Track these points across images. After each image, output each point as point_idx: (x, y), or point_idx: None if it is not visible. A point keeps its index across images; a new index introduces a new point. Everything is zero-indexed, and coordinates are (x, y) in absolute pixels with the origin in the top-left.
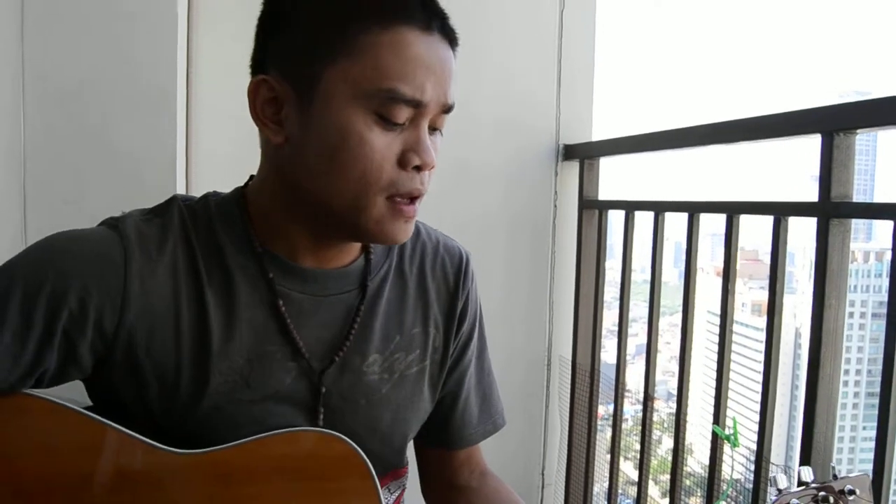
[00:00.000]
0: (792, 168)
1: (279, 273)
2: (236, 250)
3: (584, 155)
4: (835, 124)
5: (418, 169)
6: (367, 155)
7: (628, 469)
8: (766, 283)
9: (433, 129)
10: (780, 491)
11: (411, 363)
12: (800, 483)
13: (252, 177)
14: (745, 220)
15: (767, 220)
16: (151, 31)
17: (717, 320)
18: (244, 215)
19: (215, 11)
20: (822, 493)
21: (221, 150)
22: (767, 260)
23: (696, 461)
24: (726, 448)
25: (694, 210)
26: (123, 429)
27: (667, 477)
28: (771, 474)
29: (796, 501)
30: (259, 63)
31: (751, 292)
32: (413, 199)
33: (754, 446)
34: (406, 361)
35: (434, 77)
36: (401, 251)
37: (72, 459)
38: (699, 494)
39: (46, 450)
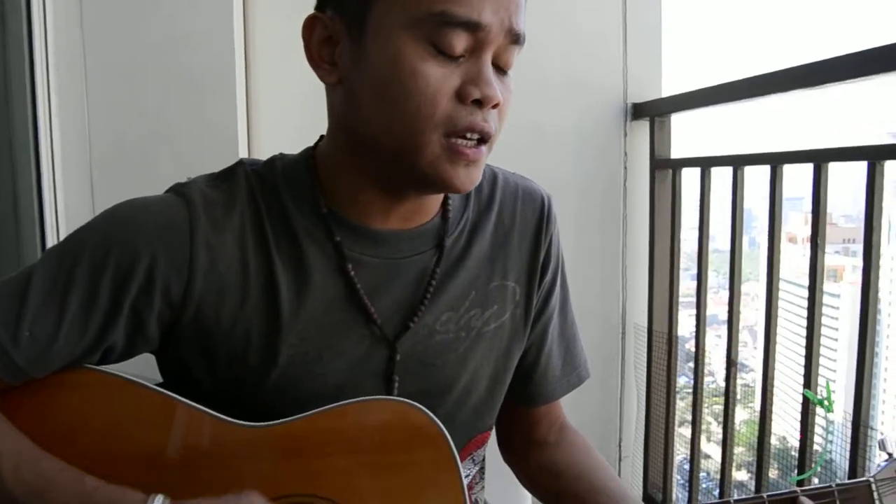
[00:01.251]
0: (876, 117)
1: (347, 236)
2: (302, 213)
3: (654, 112)
4: None
5: (479, 104)
6: (421, 88)
7: (703, 442)
8: (840, 247)
9: (502, 69)
10: (890, 455)
11: (489, 319)
12: None
13: (322, 137)
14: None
15: (842, 178)
16: (208, 10)
17: (791, 288)
18: (311, 176)
19: None
20: None
21: (282, 126)
22: (842, 223)
23: (774, 433)
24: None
25: (777, 161)
26: (191, 402)
27: (740, 450)
28: (879, 437)
29: None
30: (319, 3)
31: (826, 257)
32: (478, 141)
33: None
34: (483, 318)
35: None
36: (478, 201)
37: (139, 434)
38: (776, 466)
39: (113, 424)
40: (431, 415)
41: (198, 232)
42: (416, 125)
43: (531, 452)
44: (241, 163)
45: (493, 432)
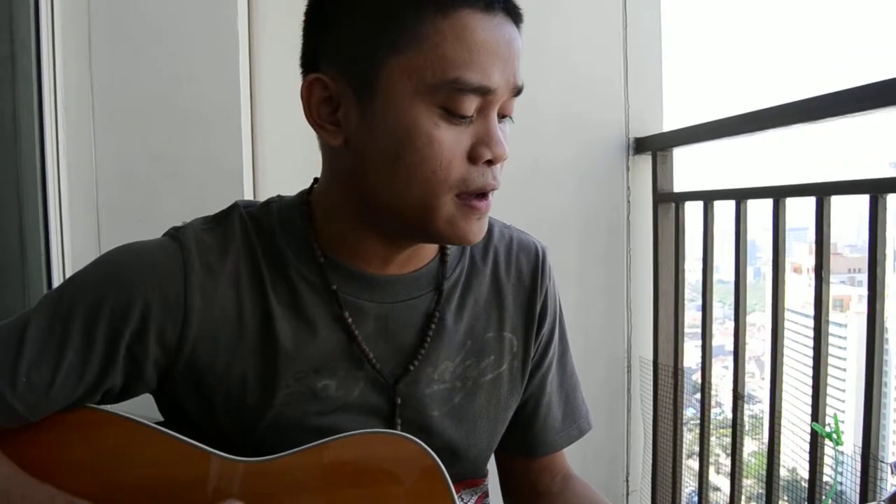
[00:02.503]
0: (878, 149)
1: (345, 283)
2: (298, 260)
3: (657, 147)
4: None
5: (489, 163)
6: (436, 154)
7: (710, 474)
8: (846, 277)
9: (503, 115)
10: None
11: (485, 370)
12: None
13: (316, 179)
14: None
15: (847, 208)
16: (214, 46)
17: (797, 318)
18: (306, 222)
19: (276, 24)
20: None
21: (287, 160)
22: (847, 252)
23: (783, 466)
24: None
25: (780, 195)
26: (187, 439)
27: (749, 482)
28: (892, 461)
29: None
30: (310, 61)
31: (831, 287)
32: (485, 194)
33: (852, 445)
34: (479, 368)
35: (501, 61)
36: (474, 250)
37: (136, 471)
38: (785, 498)
39: (111, 462)
40: (425, 446)
41: (192, 276)
42: (431, 189)
43: (534, 503)
44: (236, 205)
45: (496, 482)
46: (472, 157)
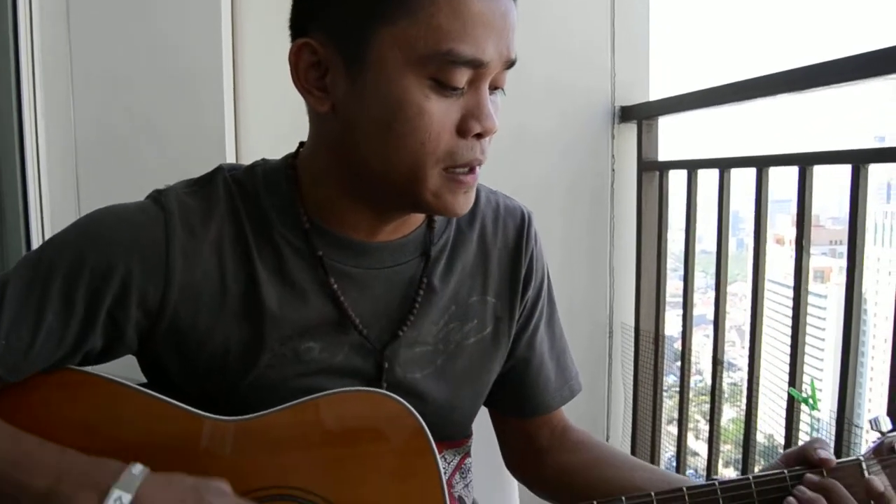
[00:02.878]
0: (861, 122)
1: (330, 249)
2: (283, 224)
3: (642, 115)
4: None
5: (479, 136)
6: (425, 126)
7: (690, 440)
8: (827, 248)
9: (495, 87)
10: (882, 434)
11: (468, 333)
12: None
13: (303, 143)
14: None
15: (830, 180)
16: (195, 16)
17: (778, 289)
18: (292, 186)
19: None
20: None
21: (270, 128)
22: (829, 224)
23: (760, 431)
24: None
25: (762, 164)
26: (169, 399)
27: (728, 447)
28: (870, 416)
29: None
30: (300, 25)
31: (812, 259)
32: (472, 168)
33: (828, 412)
34: (462, 332)
35: (495, 34)
36: (460, 217)
37: (117, 431)
38: (762, 463)
39: (92, 422)
40: (407, 405)
41: (174, 240)
42: (419, 160)
43: (538, 462)
44: (220, 168)
45: (480, 441)
46: (462, 131)
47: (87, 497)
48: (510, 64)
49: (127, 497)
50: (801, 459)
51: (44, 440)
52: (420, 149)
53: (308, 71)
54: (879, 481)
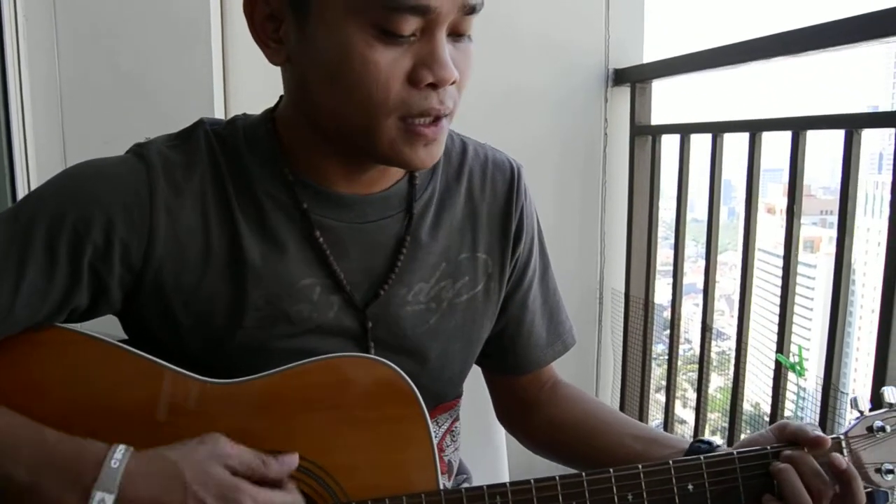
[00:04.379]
0: (855, 89)
1: (313, 201)
2: (266, 178)
3: (636, 79)
4: None
5: (433, 86)
6: (371, 75)
7: (677, 408)
8: (817, 218)
9: (459, 34)
10: (861, 413)
11: (460, 291)
12: (881, 404)
13: (281, 97)
14: None
15: (822, 150)
16: None
17: (768, 258)
18: (273, 139)
19: None
20: None
21: (259, 83)
22: (820, 194)
23: (747, 400)
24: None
25: (755, 129)
26: (156, 359)
27: (715, 416)
28: (850, 395)
29: (880, 423)
30: None
31: (802, 228)
32: (436, 119)
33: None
34: (454, 289)
35: None
36: (447, 171)
37: (106, 391)
38: (748, 431)
39: (79, 381)
40: (400, 370)
41: (157, 195)
42: (370, 111)
43: (528, 416)
44: (201, 122)
45: (481, 399)
46: (413, 80)
47: (71, 499)
48: (469, 9)
49: (110, 498)
50: (792, 437)
51: (26, 421)
52: (368, 100)
53: (264, 23)
54: (843, 458)
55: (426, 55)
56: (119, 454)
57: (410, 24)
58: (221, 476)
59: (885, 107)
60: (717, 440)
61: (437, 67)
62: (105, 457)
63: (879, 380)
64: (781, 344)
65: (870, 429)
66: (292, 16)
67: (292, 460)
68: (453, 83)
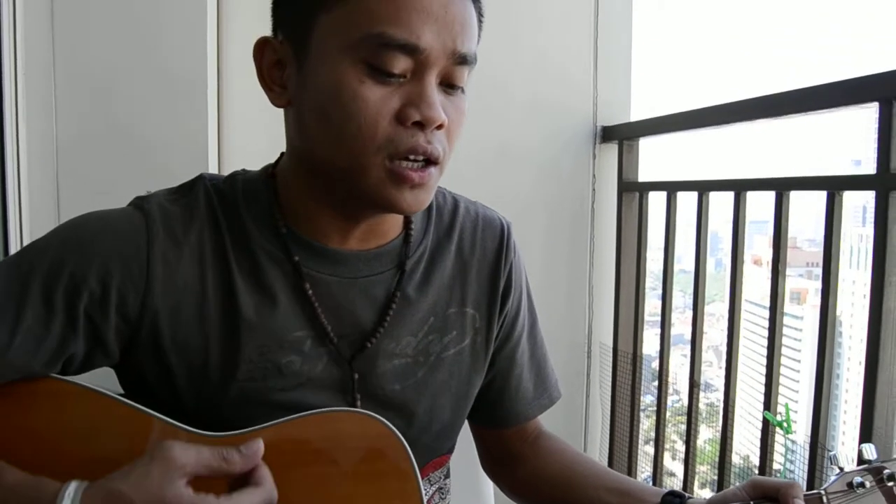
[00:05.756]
0: (838, 146)
1: (305, 255)
2: (261, 233)
3: (623, 136)
4: (894, 91)
5: (421, 126)
6: (361, 110)
7: (666, 460)
8: (803, 270)
9: (451, 85)
10: (841, 469)
11: (447, 345)
12: (860, 461)
13: (282, 154)
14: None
15: (808, 203)
16: (180, 21)
17: (756, 309)
18: (270, 194)
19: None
20: (887, 472)
21: (253, 139)
22: (806, 247)
23: (736, 452)
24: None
25: (741, 188)
26: (147, 410)
27: (705, 468)
28: (830, 452)
29: (859, 479)
30: (273, 26)
31: (788, 280)
32: (426, 162)
33: (804, 435)
34: (441, 343)
35: (432, 21)
36: (439, 228)
37: (93, 440)
38: (737, 484)
39: (68, 430)
40: (391, 426)
41: (155, 246)
42: (358, 147)
43: (511, 468)
44: (201, 177)
45: (470, 452)
46: (401, 118)
47: None
48: (460, 58)
49: None
50: (770, 494)
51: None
52: (357, 135)
53: (272, 69)
54: None
55: (414, 95)
56: (71, 490)
57: (400, 64)
58: (180, 499)
59: (867, 160)
60: (701, 494)
61: (424, 106)
62: (58, 495)
63: (866, 436)
64: (769, 400)
65: (850, 484)
66: (294, 58)
67: (257, 446)
68: (440, 127)
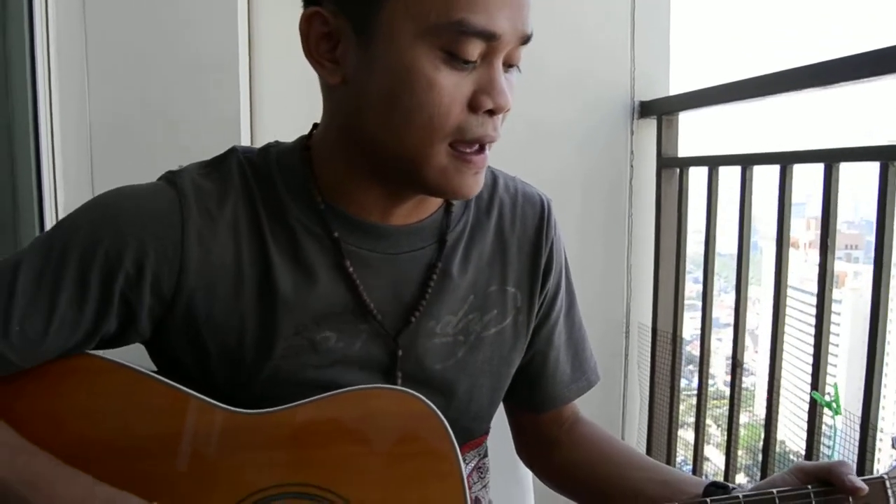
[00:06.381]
0: (884, 117)
1: (345, 230)
2: (298, 206)
3: (662, 111)
4: None
5: (491, 113)
6: (435, 99)
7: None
8: (842, 253)
9: (509, 65)
10: None
11: (488, 324)
12: None
13: (316, 125)
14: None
15: (844, 183)
16: (211, 1)
17: (793, 293)
18: (306, 168)
19: None
20: None
21: (286, 118)
22: (844, 229)
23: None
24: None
25: (787, 161)
26: (183, 388)
27: (740, 453)
28: (892, 435)
29: None
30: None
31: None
32: (482, 146)
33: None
34: (482, 322)
35: (507, 6)
36: (478, 203)
37: (131, 418)
38: (779, 470)
39: (107, 408)
40: (431, 404)
41: (189, 224)
42: (427, 135)
43: (547, 454)
44: (234, 150)
45: (509, 436)
46: (473, 106)
47: None
48: (525, 39)
49: None
50: (821, 477)
51: (58, 462)
52: (428, 123)
53: (319, 42)
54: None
55: (486, 82)
56: None
57: (475, 50)
58: None
59: None
60: (737, 479)
61: (496, 94)
62: None
63: None
64: (816, 381)
65: None
66: (354, 38)
67: None
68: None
